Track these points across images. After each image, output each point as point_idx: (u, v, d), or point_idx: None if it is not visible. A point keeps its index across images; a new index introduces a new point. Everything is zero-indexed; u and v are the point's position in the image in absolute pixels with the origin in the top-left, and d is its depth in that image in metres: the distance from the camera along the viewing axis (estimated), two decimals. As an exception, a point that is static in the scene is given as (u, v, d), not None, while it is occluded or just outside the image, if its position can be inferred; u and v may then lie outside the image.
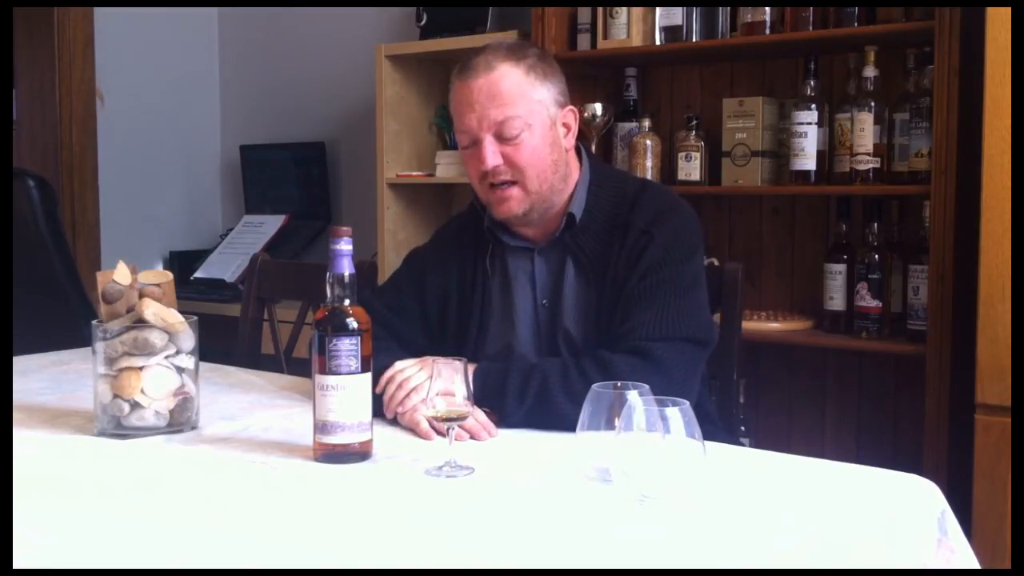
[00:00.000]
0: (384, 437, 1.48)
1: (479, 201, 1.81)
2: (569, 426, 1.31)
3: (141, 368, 1.49)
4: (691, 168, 2.81)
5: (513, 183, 1.70)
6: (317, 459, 1.37)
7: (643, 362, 1.58)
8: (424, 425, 1.52)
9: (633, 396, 1.21)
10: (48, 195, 2.94)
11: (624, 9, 2.83)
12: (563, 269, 1.75)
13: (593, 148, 2.87)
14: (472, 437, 1.49)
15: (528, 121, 1.67)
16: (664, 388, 1.38)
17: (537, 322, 1.77)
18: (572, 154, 1.79)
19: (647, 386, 1.25)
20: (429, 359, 1.53)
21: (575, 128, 1.77)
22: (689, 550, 1.05)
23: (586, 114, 2.83)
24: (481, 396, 1.53)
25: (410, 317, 1.82)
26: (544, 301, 1.77)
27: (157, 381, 1.50)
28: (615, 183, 1.80)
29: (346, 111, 3.87)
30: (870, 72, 2.54)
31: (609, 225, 1.74)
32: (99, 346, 1.51)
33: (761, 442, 2.31)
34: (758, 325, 2.71)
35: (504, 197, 1.71)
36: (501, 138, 1.67)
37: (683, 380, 1.60)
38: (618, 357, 1.58)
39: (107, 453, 1.44)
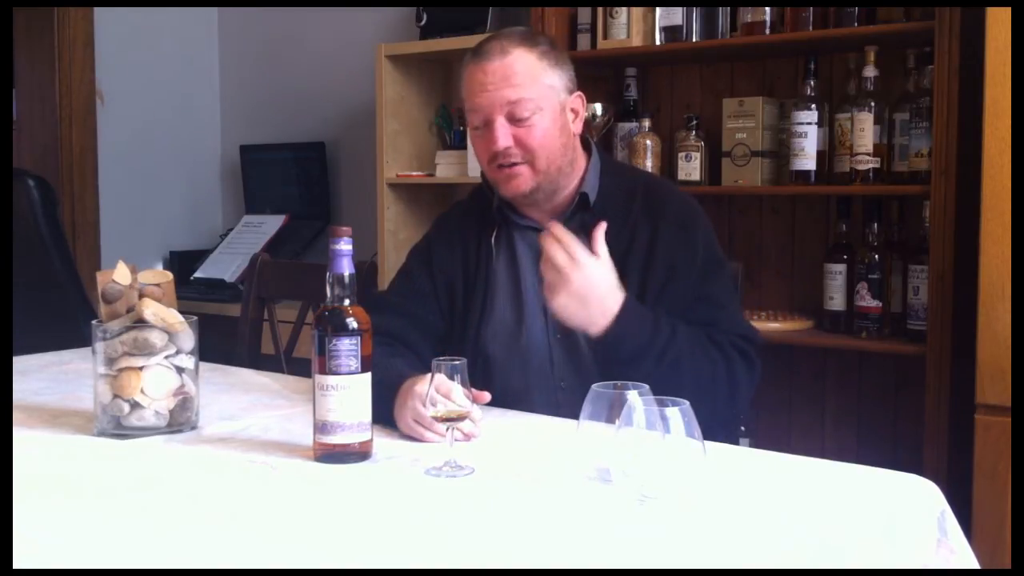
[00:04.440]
0: (384, 437, 1.48)
1: (487, 183, 1.83)
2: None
3: (141, 368, 1.49)
4: (691, 168, 2.81)
5: (522, 163, 1.72)
6: (317, 459, 1.37)
7: (748, 362, 1.71)
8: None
9: (633, 396, 1.21)
10: (48, 195, 2.94)
11: (624, 9, 2.83)
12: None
13: (593, 148, 2.87)
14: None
15: (540, 104, 1.71)
16: (749, 388, 1.71)
17: (544, 301, 1.78)
18: (579, 140, 1.83)
19: (647, 386, 1.25)
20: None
21: (583, 113, 1.81)
22: (689, 550, 1.05)
23: (586, 114, 2.83)
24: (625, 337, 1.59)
25: (425, 300, 1.84)
26: None
27: (157, 381, 1.50)
28: (626, 170, 1.85)
29: (346, 111, 3.87)
30: (870, 72, 2.53)
31: (624, 210, 1.75)
32: (99, 346, 1.51)
33: (761, 442, 2.31)
34: (758, 325, 2.68)
35: (513, 175, 1.73)
36: (513, 119, 1.70)
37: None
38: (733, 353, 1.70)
39: (107, 453, 1.44)
